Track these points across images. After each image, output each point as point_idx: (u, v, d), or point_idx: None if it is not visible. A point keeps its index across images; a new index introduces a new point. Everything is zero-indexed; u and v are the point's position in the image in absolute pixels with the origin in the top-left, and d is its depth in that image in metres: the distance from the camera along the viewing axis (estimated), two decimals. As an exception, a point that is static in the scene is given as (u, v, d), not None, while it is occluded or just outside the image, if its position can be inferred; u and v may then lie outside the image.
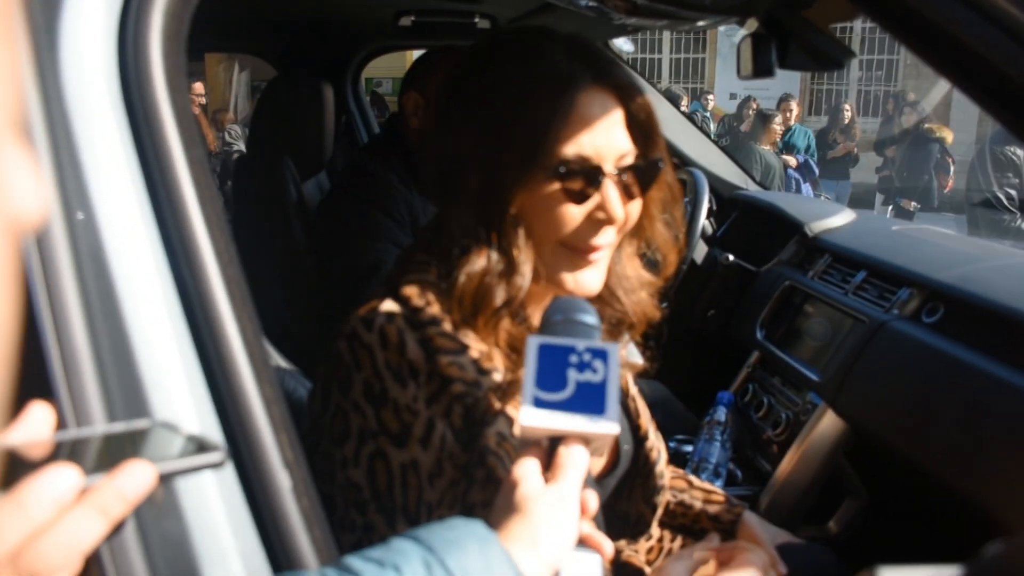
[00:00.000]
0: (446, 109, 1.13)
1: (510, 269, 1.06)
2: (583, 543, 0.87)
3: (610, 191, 1.07)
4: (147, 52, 0.74)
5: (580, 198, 1.07)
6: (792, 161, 8.98)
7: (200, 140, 0.78)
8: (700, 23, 1.94)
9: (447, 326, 1.05)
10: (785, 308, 2.35)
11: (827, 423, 1.99)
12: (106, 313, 0.70)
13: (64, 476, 0.49)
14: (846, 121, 10.29)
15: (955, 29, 0.90)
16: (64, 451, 0.56)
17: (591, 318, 0.91)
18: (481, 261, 1.06)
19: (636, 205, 1.12)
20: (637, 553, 1.38)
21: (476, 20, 2.54)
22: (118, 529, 0.54)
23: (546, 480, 0.84)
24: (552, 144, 1.05)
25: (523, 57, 1.11)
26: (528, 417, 0.84)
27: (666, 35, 15.93)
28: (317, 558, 0.75)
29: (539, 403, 0.84)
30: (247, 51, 3.19)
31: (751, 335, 2.38)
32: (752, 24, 1.87)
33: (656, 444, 1.30)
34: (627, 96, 1.10)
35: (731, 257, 2.56)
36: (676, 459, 2.13)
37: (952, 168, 9.05)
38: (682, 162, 2.85)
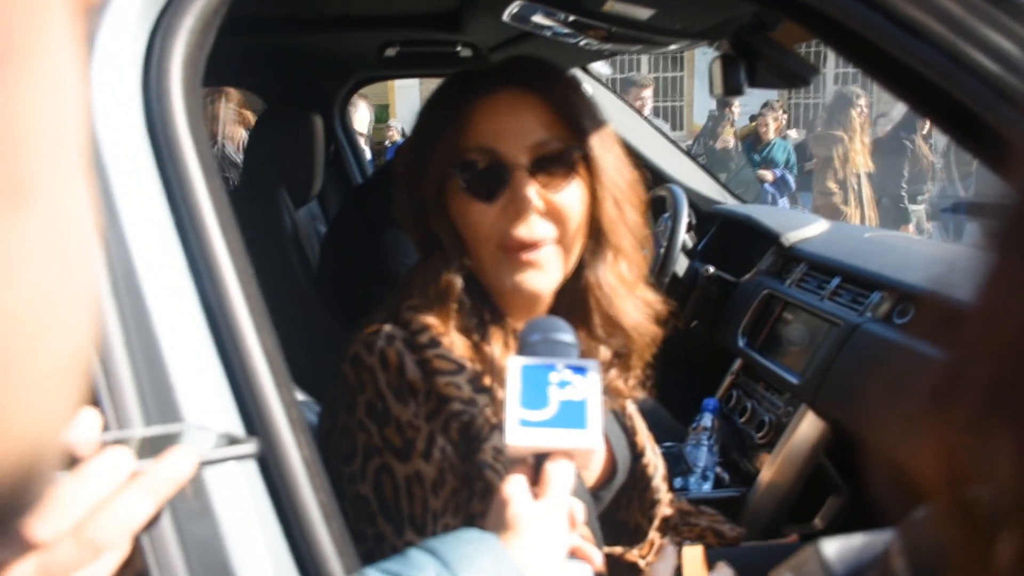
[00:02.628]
0: None
1: (451, 266, 1.13)
2: (573, 555, 0.92)
3: (520, 183, 1.09)
4: (169, 95, 0.82)
5: (489, 195, 1.11)
6: (769, 176, 9.05)
7: (217, 169, 0.86)
8: (672, 47, 2.04)
9: (444, 347, 1.10)
10: (765, 316, 2.44)
11: (808, 424, 2.07)
12: (139, 329, 0.78)
13: (121, 456, 0.56)
14: (857, 129, 10.19)
15: (894, 49, 0.99)
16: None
17: (568, 336, 0.95)
18: (436, 267, 1.14)
19: (566, 195, 1.11)
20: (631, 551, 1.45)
21: (459, 49, 2.63)
22: (159, 515, 0.61)
23: (534, 496, 0.88)
24: (452, 147, 1.11)
25: (447, 80, 1.21)
26: (514, 436, 0.88)
27: (644, 55, 16.13)
28: (335, 547, 0.82)
29: (524, 422, 0.88)
30: (235, 85, 3.27)
31: (733, 343, 2.47)
32: (723, 45, 1.97)
33: (653, 460, 1.34)
34: (546, 92, 1.12)
35: (711, 269, 2.64)
36: (670, 460, 2.20)
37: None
38: (660, 178, 2.94)
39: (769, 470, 2.11)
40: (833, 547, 0.52)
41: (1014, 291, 0.29)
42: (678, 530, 1.50)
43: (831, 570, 0.50)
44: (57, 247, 0.24)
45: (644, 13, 1.61)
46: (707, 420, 2.30)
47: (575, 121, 1.12)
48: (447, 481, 1.07)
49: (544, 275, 1.12)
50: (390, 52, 2.66)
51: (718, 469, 2.23)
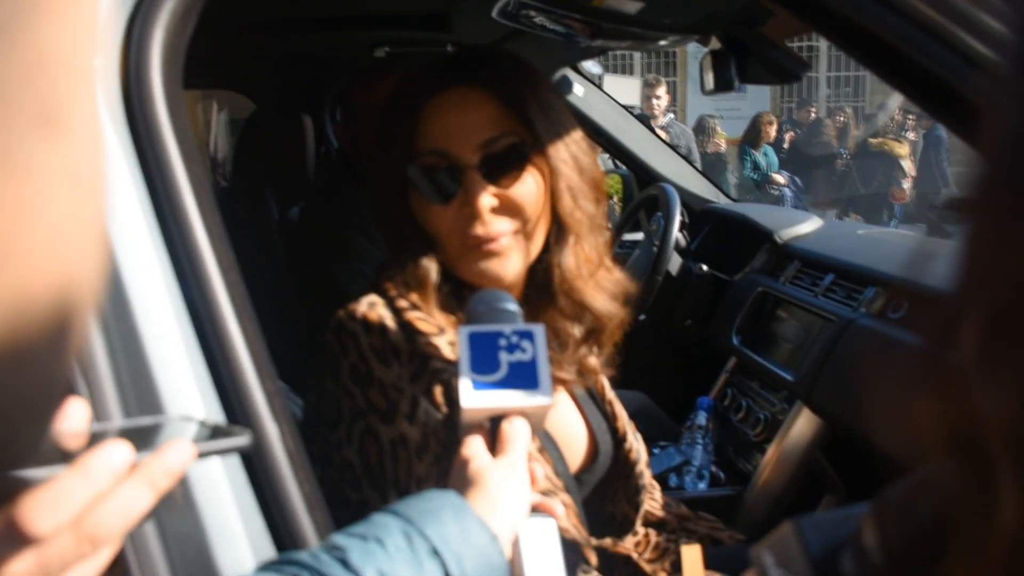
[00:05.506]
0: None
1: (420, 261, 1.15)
2: (536, 509, 0.93)
3: (472, 184, 1.11)
4: (148, 79, 0.81)
5: (444, 197, 1.13)
6: (781, 179, 9.15)
7: (199, 156, 0.84)
8: (662, 43, 2.03)
9: (424, 312, 1.13)
10: (759, 314, 2.43)
11: (803, 421, 2.06)
12: (119, 318, 0.77)
13: (121, 449, 0.54)
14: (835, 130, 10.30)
15: (889, 36, 0.98)
16: (103, 440, 0.61)
17: (512, 305, 0.98)
18: (411, 259, 1.15)
19: (521, 189, 1.13)
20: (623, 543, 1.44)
21: (448, 49, 2.62)
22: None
23: (493, 456, 0.90)
24: (406, 150, 1.13)
25: (396, 83, 1.22)
26: (468, 400, 0.90)
27: (637, 59, 16.16)
28: (319, 539, 0.80)
29: (477, 385, 0.90)
30: (225, 87, 3.26)
31: (727, 341, 2.45)
32: (713, 42, 1.96)
33: (635, 445, 1.35)
34: (494, 86, 1.14)
35: (705, 267, 2.63)
36: (665, 459, 2.19)
37: (905, 182, 9.15)
38: (652, 178, 2.94)
39: (765, 468, 2.10)
40: (810, 523, 0.51)
41: (1004, 234, 0.28)
42: (676, 535, 1.50)
43: (807, 546, 0.49)
44: (82, 175, 0.24)
45: (633, 7, 1.60)
46: (701, 419, 2.28)
47: (525, 113, 1.13)
48: (430, 446, 1.08)
49: (505, 262, 1.15)
50: (380, 52, 2.65)
51: (713, 468, 2.22)
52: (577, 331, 1.22)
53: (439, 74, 1.16)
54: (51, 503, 0.50)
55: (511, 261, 1.15)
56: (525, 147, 1.14)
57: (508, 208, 1.13)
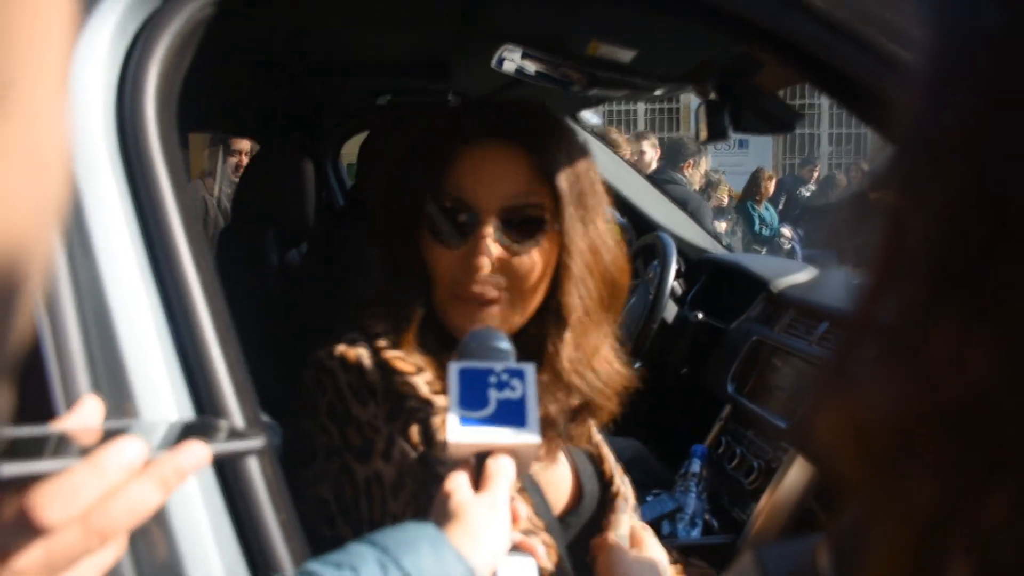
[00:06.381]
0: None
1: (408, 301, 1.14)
2: (517, 548, 0.93)
3: (483, 237, 1.10)
4: (143, 110, 0.83)
5: (452, 242, 1.13)
6: (788, 232, 9.22)
7: (190, 189, 0.86)
8: (658, 92, 2.06)
9: (403, 351, 1.13)
10: (754, 362, 2.43)
11: (797, 469, 2.05)
12: (103, 343, 0.78)
13: (135, 446, 0.54)
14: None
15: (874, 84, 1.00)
16: (118, 436, 0.60)
17: (505, 344, 0.99)
18: (399, 294, 1.16)
19: (528, 258, 1.12)
20: None
21: (450, 97, 2.67)
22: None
23: (477, 492, 0.89)
24: (430, 187, 1.13)
25: (435, 117, 1.23)
26: (455, 435, 0.90)
27: (640, 114, 16.35)
28: (294, 567, 0.80)
29: (464, 421, 0.90)
30: (229, 131, 3.31)
31: (722, 389, 2.45)
32: (709, 92, 2.00)
33: (622, 488, 1.34)
34: (534, 149, 1.13)
35: (700, 316, 2.64)
36: (658, 506, 2.17)
37: None
38: (649, 227, 2.96)
39: (759, 516, 2.08)
40: (770, 552, 0.51)
41: (895, 242, 0.29)
42: None
43: (767, 575, 0.49)
44: (36, 155, 0.24)
45: (627, 55, 1.63)
46: (695, 466, 2.27)
47: (556, 184, 1.12)
48: (406, 484, 1.07)
49: (486, 316, 1.13)
50: (382, 100, 2.70)
51: (707, 516, 2.20)
52: (562, 407, 1.19)
53: (484, 123, 1.16)
54: (62, 495, 0.51)
55: (492, 317, 1.14)
56: (545, 220, 1.13)
57: (510, 271, 1.13)
